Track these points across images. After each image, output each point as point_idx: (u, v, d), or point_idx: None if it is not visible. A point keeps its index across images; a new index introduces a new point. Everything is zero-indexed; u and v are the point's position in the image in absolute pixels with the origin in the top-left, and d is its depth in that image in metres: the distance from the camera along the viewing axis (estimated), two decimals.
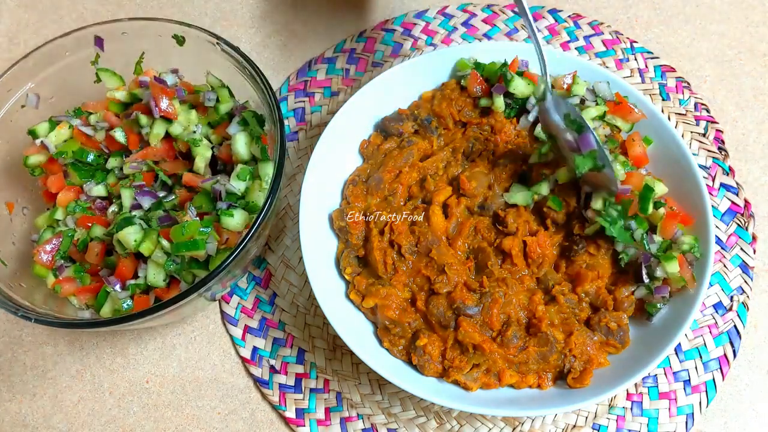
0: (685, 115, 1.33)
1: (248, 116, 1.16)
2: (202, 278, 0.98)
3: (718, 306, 1.19)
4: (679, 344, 1.16)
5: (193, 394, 1.19)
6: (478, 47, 1.22)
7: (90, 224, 1.15)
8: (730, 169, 1.28)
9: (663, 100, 1.35)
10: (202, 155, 1.16)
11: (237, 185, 1.13)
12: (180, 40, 1.19)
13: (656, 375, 1.15)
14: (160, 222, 1.09)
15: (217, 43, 1.15)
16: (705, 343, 1.16)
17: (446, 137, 1.20)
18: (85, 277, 1.13)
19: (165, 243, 1.06)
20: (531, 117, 1.16)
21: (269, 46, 1.46)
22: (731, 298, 1.19)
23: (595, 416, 1.13)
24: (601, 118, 1.11)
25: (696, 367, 1.15)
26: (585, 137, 1.01)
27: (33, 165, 1.18)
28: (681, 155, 1.11)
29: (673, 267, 1.02)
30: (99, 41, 1.19)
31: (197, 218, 1.09)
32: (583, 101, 1.15)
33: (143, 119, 1.16)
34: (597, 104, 1.14)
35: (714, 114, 1.34)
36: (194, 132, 1.17)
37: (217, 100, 1.19)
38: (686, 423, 1.12)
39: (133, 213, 1.13)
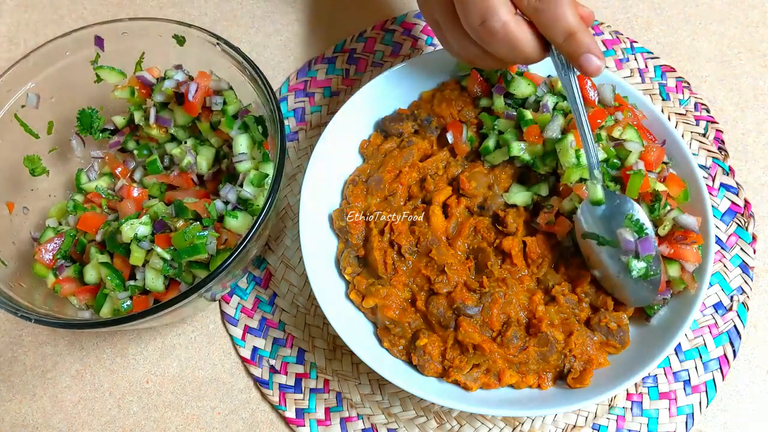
0: (685, 115, 1.33)
1: (249, 121, 1.16)
2: (203, 279, 0.98)
3: (718, 306, 1.19)
4: (679, 344, 1.16)
5: (193, 394, 1.19)
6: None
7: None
8: (730, 169, 1.28)
9: (663, 100, 1.35)
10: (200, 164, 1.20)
11: (251, 191, 1.13)
12: (180, 40, 1.19)
13: (656, 375, 1.15)
14: (154, 229, 1.09)
15: (218, 43, 1.15)
16: (705, 343, 1.16)
17: None
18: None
19: (159, 250, 1.06)
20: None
21: (269, 46, 1.46)
22: (731, 298, 1.19)
23: (595, 416, 1.13)
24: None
25: (696, 367, 1.15)
26: (646, 241, 0.98)
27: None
28: (681, 155, 1.11)
29: (674, 270, 1.02)
30: (99, 41, 1.19)
31: (197, 222, 1.09)
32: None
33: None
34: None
35: (714, 114, 1.34)
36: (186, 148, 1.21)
37: (224, 103, 1.18)
38: (686, 423, 1.12)
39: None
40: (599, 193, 1.01)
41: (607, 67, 1.38)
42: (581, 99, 0.98)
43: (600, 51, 0.89)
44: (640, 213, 1.00)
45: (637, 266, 0.99)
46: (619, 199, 1.01)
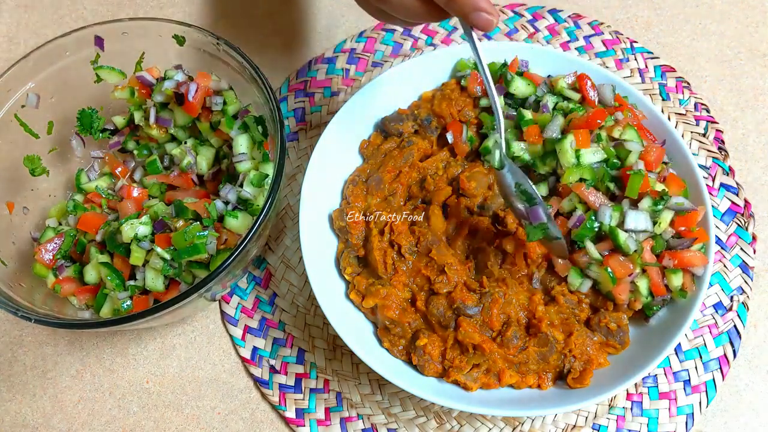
0: (685, 115, 1.33)
1: (249, 121, 1.16)
2: (202, 279, 0.98)
3: (718, 306, 1.19)
4: (679, 344, 1.16)
5: (193, 394, 1.19)
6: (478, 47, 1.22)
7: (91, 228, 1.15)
8: (730, 169, 1.28)
9: (663, 100, 1.35)
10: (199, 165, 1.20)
11: (251, 191, 1.13)
12: (180, 40, 1.19)
13: (656, 375, 1.15)
14: (154, 229, 1.09)
15: (218, 43, 1.15)
16: (705, 343, 1.16)
17: None
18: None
19: (159, 250, 1.06)
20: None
21: (269, 46, 1.46)
22: (731, 298, 1.19)
23: (595, 416, 1.13)
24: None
25: (696, 367, 1.15)
26: (534, 211, 1.01)
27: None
28: (681, 155, 1.11)
29: (677, 279, 1.02)
30: (99, 41, 1.19)
31: (197, 222, 1.09)
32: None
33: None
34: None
35: (714, 114, 1.34)
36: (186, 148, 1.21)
37: (224, 103, 1.18)
38: (686, 423, 1.12)
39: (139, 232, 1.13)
40: (496, 159, 1.02)
41: (607, 67, 1.38)
42: (484, 59, 0.94)
43: (489, 5, 0.82)
44: (530, 183, 1.02)
45: (532, 232, 1.00)
46: (511, 169, 1.02)
